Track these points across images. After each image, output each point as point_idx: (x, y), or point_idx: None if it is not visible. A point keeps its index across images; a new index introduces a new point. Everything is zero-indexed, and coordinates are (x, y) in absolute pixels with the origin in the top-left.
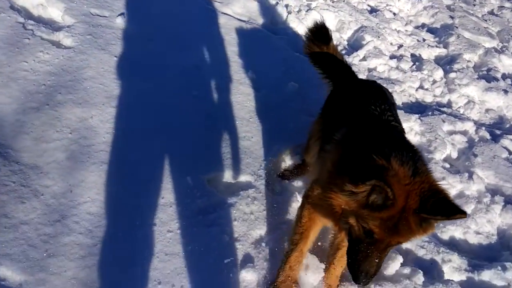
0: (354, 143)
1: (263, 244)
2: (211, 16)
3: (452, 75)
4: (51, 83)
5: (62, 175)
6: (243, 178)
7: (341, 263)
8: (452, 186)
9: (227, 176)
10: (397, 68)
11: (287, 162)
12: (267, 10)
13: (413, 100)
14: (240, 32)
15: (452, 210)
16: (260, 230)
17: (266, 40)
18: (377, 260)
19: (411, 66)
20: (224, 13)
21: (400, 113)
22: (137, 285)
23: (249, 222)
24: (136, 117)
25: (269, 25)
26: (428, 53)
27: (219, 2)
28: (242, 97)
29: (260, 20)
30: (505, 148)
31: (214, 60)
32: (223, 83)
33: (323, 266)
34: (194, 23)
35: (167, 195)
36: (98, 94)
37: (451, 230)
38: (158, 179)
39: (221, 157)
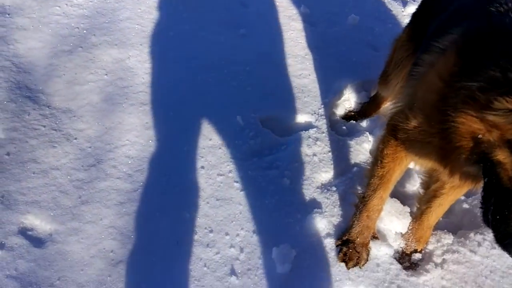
0: (480, 46)
1: (332, 189)
2: None
3: None
4: (84, 26)
5: (97, 118)
6: (302, 118)
7: (437, 213)
8: None
9: (283, 116)
10: None
11: (352, 101)
12: None
13: None
14: None
15: None
16: (326, 174)
17: None
18: None
19: None
20: None
21: None
22: (185, 233)
23: (312, 165)
24: (177, 57)
25: None
26: None
27: None
28: (295, 33)
29: None
30: None
31: None
32: (272, 20)
33: (408, 210)
34: None
35: (214, 136)
36: (135, 35)
37: None
38: (204, 119)
39: (275, 97)
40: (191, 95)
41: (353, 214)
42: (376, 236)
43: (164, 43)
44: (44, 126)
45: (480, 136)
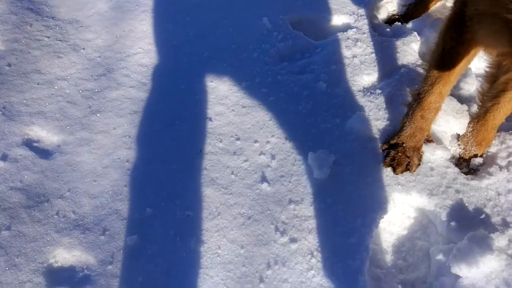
0: None
1: (376, 91)
2: None
3: None
4: None
5: (107, 27)
6: (339, 19)
7: (506, 110)
8: None
9: (316, 18)
10: None
11: (395, 2)
12: None
13: None
14: None
15: None
16: (369, 76)
17: None
18: None
19: None
20: None
21: None
22: (209, 142)
23: (352, 67)
24: None
25: None
26: None
27: None
28: None
29: None
30: None
31: None
32: None
33: (466, 108)
34: None
35: (238, 40)
36: None
37: None
38: (225, 23)
39: None
40: None
41: (405, 114)
42: (430, 140)
43: None
44: (48, 37)
45: None
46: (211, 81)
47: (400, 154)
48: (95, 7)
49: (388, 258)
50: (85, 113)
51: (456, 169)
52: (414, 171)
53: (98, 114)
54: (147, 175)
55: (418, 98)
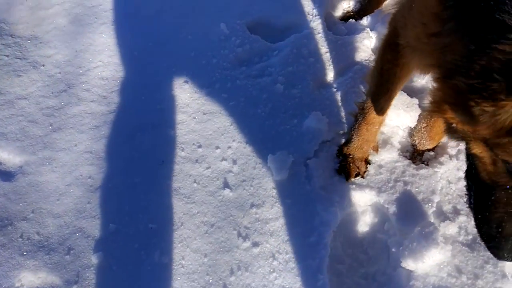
0: None
1: (332, 90)
2: None
3: None
4: None
5: (66, 42)
6: (294, 19)
7: None
8: None
9: (272, 20)
10: None
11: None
12: None
13: None
14: None
15: None
16: (325, 75)
17: None
18: None
19: None
20: None
21: None
22: (171, 151)
23: (308, 67)
24: None
25: None
26: None
27: None
28: None
29: None
30: None
31: None
32: None
33: (416, 101)
34: None
35: (197, 46)
36: None
37: None
38: (183, 30)
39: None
40: (167, 6)
41: (352, 126)
42: (376, 149)
43: None
44: (7, 56)
45: (453, 125)
46: (172, 90)
47: (350, 164)
48: (54, 22)
49: (350, 252)
50: (47, 132)
51: (406, 162)
52: (364, 177)
53: (60, 132)
54: (109, 190)
55: (363, 113)
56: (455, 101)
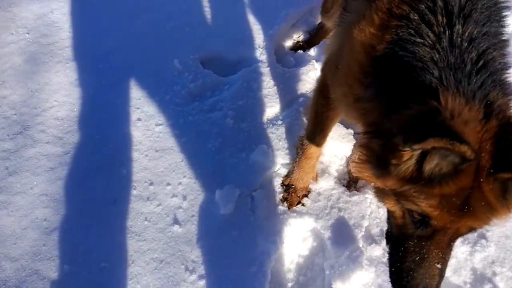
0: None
1: (278, 122)
2: None
3: None
4: None
5: (22, 82)
6: (246, 53)
7: None
8: None
9: (225, 54)
10: None
11: (300, 28)
12: None
13: None
14: None
15: None
16: (272, 108)
17: None
18: (439, 266)
19: None
20: None
21: None
22: (123, 190)
23: (257, 101)
24: (105, 3)
25: None
26: None
27: None
28: None
29: None
30: None
31: None
32: None
33: (351, 131)
34: None
35: (150, 84)
36: None
37: None
38: (137, 68)
39: (216, 34)
40: (122, 43)
41: (294, 159)
42: (315, 179)
43: None
44: None
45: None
46: (126, 128)
47: (292, 194)
48: (10, 61)
49: (291, 276)
50: (2, 176)
51: (341, 189)
52: (304, 205)
53: (15, 175)
54: (64, 232)
55: (302, 147)
56: (370, 159)
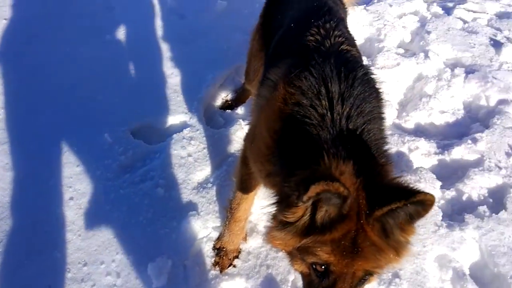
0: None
1: (208, 186)
2: None
3: None
4: None
5: None
6: (176, 119)
7: None
8: (409, 70)
9: (155, 122)
10: None
11: (227, 88)
12: None
13: None
14: None
15: (411, 191)
16: (202, 172)
17: None
18: None
19: None
20: None
21: None
22: (58, 274)
23: (187, 166)
24: (31, 82)
25: None
26: None
27: None
28: (165, 30)
29: None
30: (460, 18)
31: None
32: (139, 22)
33: None
34: None
35: (82, 161)
36: None
37: (415, 117)
38: (68, 145)
39: (146, 104)
40: (51, 122)
41: (224, 222)
42: (245, 239)
43: (16, 68)
44: None
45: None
46: (58, 209)
47: (223, 258)
48: None
49: None
50: None
51: (269, 246)
52: (236, 266)
53: None
54: None
55: (231, 211)
56: (276, 226)
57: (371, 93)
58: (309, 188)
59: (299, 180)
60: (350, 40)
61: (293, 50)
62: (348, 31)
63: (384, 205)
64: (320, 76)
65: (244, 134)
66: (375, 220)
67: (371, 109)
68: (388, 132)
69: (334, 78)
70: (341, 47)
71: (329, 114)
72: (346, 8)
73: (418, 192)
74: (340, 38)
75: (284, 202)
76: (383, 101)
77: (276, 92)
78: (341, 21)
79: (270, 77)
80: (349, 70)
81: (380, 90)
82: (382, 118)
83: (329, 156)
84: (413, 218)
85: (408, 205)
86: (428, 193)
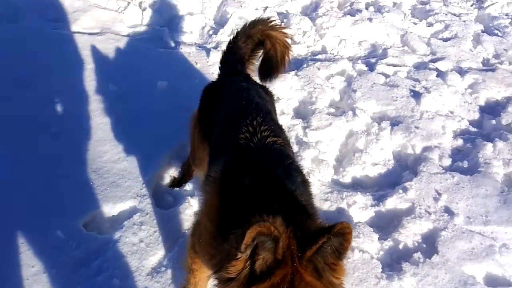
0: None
1: (161, 269)
2: (58, 38)
3: (319, 20)
4: None
5: None
6: (125, 205)
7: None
8: (341, 128)
9: (106, 211)
10: None
11: (175, 166)
12: (118, 15)
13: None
14: (94, 46)
15: (330, 226)
16: (155, 256)
17: (125, 44)
18: None
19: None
20: (74, 32)
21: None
22: None
23: (140, 253)
24: None
25: (125, 28)
26: (294, 6)
27: (64, 21)
28: (107, 117)
29: (115, 27)
30: (382, 73)
31: (70, 88)
32: (83, 110)
33: None
34: (41, 49)
35: (37, 261)
36: None
37: (351, 171)
38: (22, 245)
39: (95, 193)
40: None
41: None
42: None
43: None
44: None
45: None
46: None
47: None
48: None
49: None
50: None
51: None
52: None
53: None
54: None
55: None
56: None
57: (296, 175)
58: (245, 235)
59: (236, 234)
60: (276, 131)
61: (227, 148)
62: (275, 122)
63: (312, 245)
64: (249, 170)
65: (193, 213)
66: (307, 261)
67: (296, 180)
68: (327, 190)
69: (262, 170)
70: (267, 140)
71: (257, 192)
72: (273, 96)
73: (336, 224)
74: (266, 132)
75: (225, 261)
76: (307, 182)
77: (215, 187)
78: (268, 114)
79: (211, 174)
80: (275, 162)
81: (306, 178)
82: (305, 183)
83: (260, 213)
84: (339, 252)
85: (331, 237)
86: (344, 222)
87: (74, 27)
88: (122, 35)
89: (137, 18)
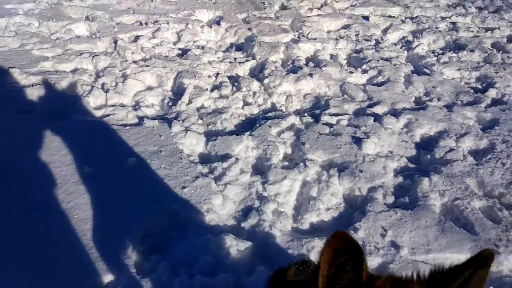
0: None
1: None
2: (28, 127)
3: (266, 80)
4: None
5: None
6: (108, 278)
7: None
8: (295, 179)
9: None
10: (220, 97)
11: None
12: (84, 98)
13: (244, 119)
14: (65, 131)
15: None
16: None
17: (94, 126)
18: None
19: (232, 89)
20: (43, 119)
21: (232, 138)
22: None
23: None
24: None
25: (92, 110)
26: (243, 70)
27: (32, 110)
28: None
29: (82, 110)
30: (326, 123)
31: (48, 174)
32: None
33: None
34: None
35: None
36: None
37: (308, 218)
38: None
39: (83, 267)
40: None
41: None
42: None
43: None
44: None
45: None
46: None
47: None
48: None
49: None
50: None
51: None
52: None
53: None
54: None
55: None
56: None
57: None
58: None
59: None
60: None
61: None
62: None
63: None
64: None
65: None
66: None
67: None
68: (288, 238)
69: None
70: None
71: None
72: None
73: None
74: None
75: None
76: None
77: None
78: None
79: None
80: None
81: None
82: None
83: None
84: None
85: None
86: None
87: (43, 114)
88: (90, 118)
89: (101, 100)
